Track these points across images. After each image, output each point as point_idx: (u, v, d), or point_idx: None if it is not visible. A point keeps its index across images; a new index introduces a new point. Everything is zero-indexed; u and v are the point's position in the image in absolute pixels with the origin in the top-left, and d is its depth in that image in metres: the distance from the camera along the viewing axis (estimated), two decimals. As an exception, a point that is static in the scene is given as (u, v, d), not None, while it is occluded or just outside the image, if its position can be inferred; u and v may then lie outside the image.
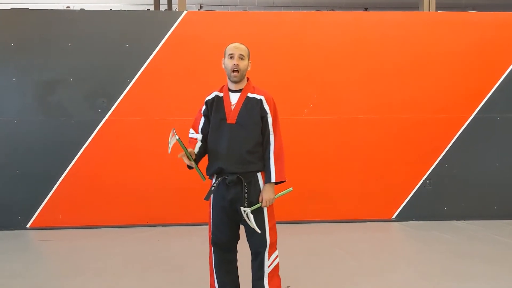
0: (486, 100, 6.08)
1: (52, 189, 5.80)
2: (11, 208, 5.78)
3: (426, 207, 6.10)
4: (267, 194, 3.04)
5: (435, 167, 6.09)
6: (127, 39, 5.81)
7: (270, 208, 3.11)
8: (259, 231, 3.03)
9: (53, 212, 5.81)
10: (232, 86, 3.13)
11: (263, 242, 3.06)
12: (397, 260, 4.63)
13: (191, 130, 3.24)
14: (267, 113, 3.08)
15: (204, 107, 3.19)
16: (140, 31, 5.81)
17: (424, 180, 6.10)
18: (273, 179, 3.02)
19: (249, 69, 3.14)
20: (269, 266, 3.08)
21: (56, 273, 4.31)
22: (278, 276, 3.14)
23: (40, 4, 11.20)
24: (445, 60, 6.02)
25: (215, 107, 3.13)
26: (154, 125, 5.83)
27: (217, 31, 5.85)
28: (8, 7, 6.11)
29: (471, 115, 6.08)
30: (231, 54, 3.07)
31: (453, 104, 6.06)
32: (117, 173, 5.84)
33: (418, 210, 6.10)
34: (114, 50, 5.81)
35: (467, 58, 6.04)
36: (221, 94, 3.16)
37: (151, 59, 5.81)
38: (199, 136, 3.18)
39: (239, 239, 3.20)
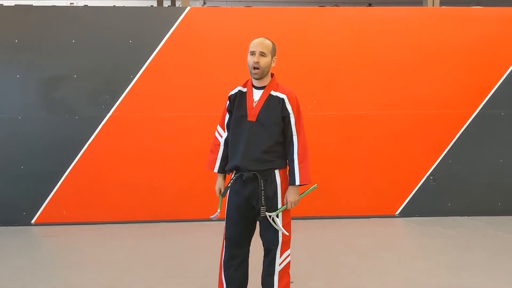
0: (490, 96, 6.06)
1: (56, 185, 5.82)
2: (16, 204, 5.80)
3: (430, 203, 6.10)
4: (291, 196, 3.00)
5: (439, 163, 6.08)
6: (131, 35, 5.81)
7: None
8: (287, 233, 3.03)
9: (57, 208, 5.83)
10: (256, 83, 3.07)
11: (276, 239, 3.04)
12: (400, 256, 4.63)
13: (219, 128, 3.19)
14: (289, 113, 3.00)
15: (228, 102, 3.14)
16: (143, 27, 5.81)
17: (428, 176, 6.09)
18: (297, 182, 2.97)
19: (273, 65, 3.05)
20: (280, 264, 3.05)
21: (61, 268, 4.33)
22: (288, 274, 3.11)
23: (44, 0, 11.20)
24: (449, 55, 6.00)
25: (237, 102, 3.07)
26: (157, 121, 5.84)
27: (220, 27, 5.85)
28: (12, 3, 6.12)
29: (475, 111, 6.07)
30: (253, 51, 2.98)
31: (457, 100, 6.04)
32: (121, 169, 5.85)
33: (421, 206, 6.09)
34: (118, 46, 5.81)
35: (471, 53, 6.02)
36: (244, 90, 3.09)
37: (155, 55, 5.81)
38: (222, 140, 3.15)
39: (250, 239, 3.17)
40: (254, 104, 3.01)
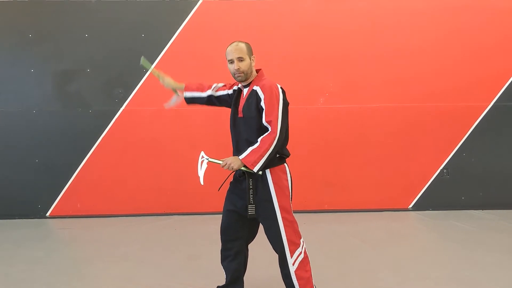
0: (505, 88, 5.98)
1: (70, 178, 5.88)
2: (31, 197, 5.88)
3: (444, 196, 6.05)
4: (232, 160, 2.93)
5: (452, 156, 6.03)
6: (144, 28, 5.83)
7: (284, 203, 3.03)
8: (202, 183, 3.07)
9: (71, 201, 5.90)
10: (243, 82, 3.15)
11: (279, 238, 3.03)
12: (413, 249, 4.61)
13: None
14: (261, 100, 2.98)
15: (232, 90, 3.30)
16: (156, 20, 5.82)
17: (441, 169, 6.04)
18: (241, 157, 2.91)
19: (253, 64, 3.12)
20: (293, 264, 3.03)
21: (76, 260, 4.39)
22: (307, 270, 3.08)
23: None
24: (463, 47, 5.92)
25: (235, 99, 3.19)
26: (170, 115, 5.86)
27: (233, 20, 5.84)
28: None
29: (490, 103, 5.99)
30: (230, 59, 3.07)
31: (472, 92, 5.97)
32: (134, 163, 5.89)
33: (435, 200, 6.05)
34: (131, 39, 5.83)
35: (486, 44, 5.92)
36: (240, 88, 3.22)
37: (167, 49, 5.82)
38: (206, 93, 3.51)
39: (246, 233, 3.23)
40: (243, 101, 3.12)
